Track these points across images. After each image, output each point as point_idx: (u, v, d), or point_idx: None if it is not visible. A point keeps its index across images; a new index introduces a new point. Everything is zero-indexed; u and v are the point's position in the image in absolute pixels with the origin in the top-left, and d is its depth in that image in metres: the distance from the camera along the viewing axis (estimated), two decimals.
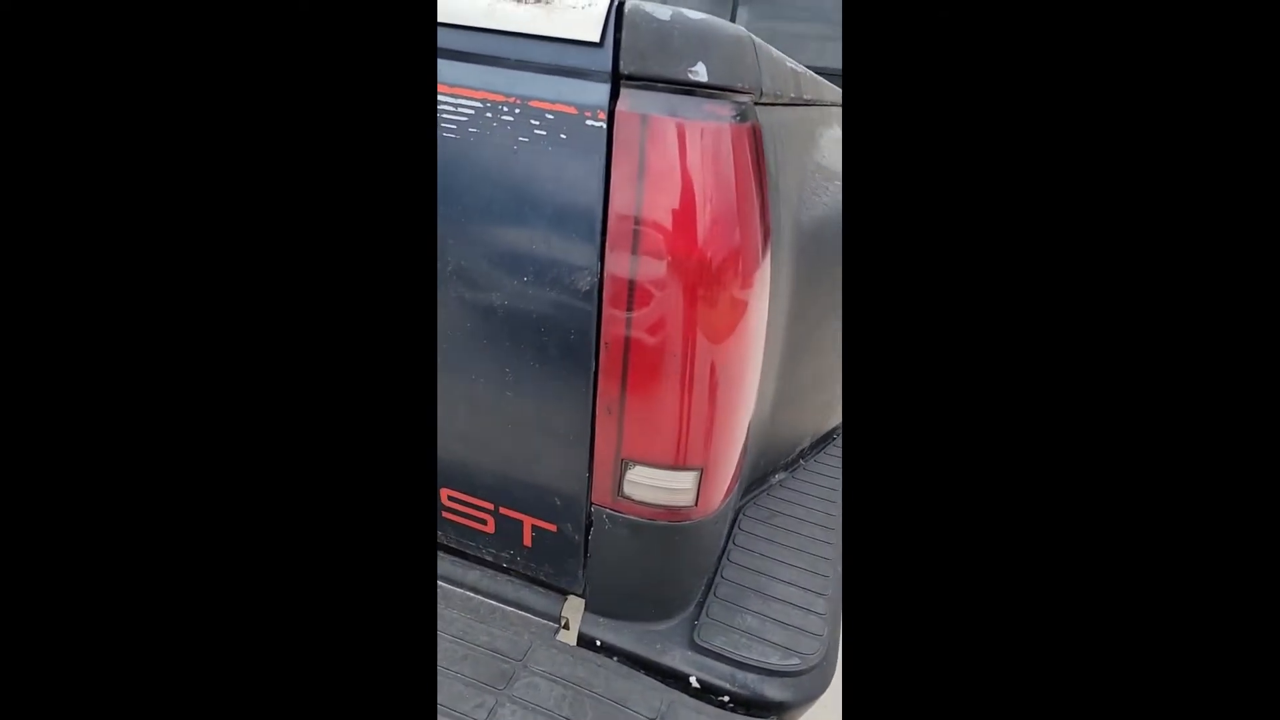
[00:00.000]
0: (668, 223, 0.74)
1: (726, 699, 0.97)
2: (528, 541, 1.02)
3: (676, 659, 1.00)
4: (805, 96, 1.03)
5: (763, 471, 1.34)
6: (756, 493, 1.36)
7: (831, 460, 1.56)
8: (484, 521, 1.03)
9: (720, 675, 0.98)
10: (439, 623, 1.02)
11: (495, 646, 0.99)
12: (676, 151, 0.73)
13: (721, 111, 0.74)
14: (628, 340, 0.80)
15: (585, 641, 1.03)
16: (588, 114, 0.73)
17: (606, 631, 1.02)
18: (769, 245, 0.85)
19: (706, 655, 1.00)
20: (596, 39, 0.72)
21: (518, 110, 0.75)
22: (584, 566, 1.00)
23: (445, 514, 1.04)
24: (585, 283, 0.78)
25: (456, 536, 1.06)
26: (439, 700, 0.90)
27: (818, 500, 1.38)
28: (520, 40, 0.75)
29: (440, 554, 1.11)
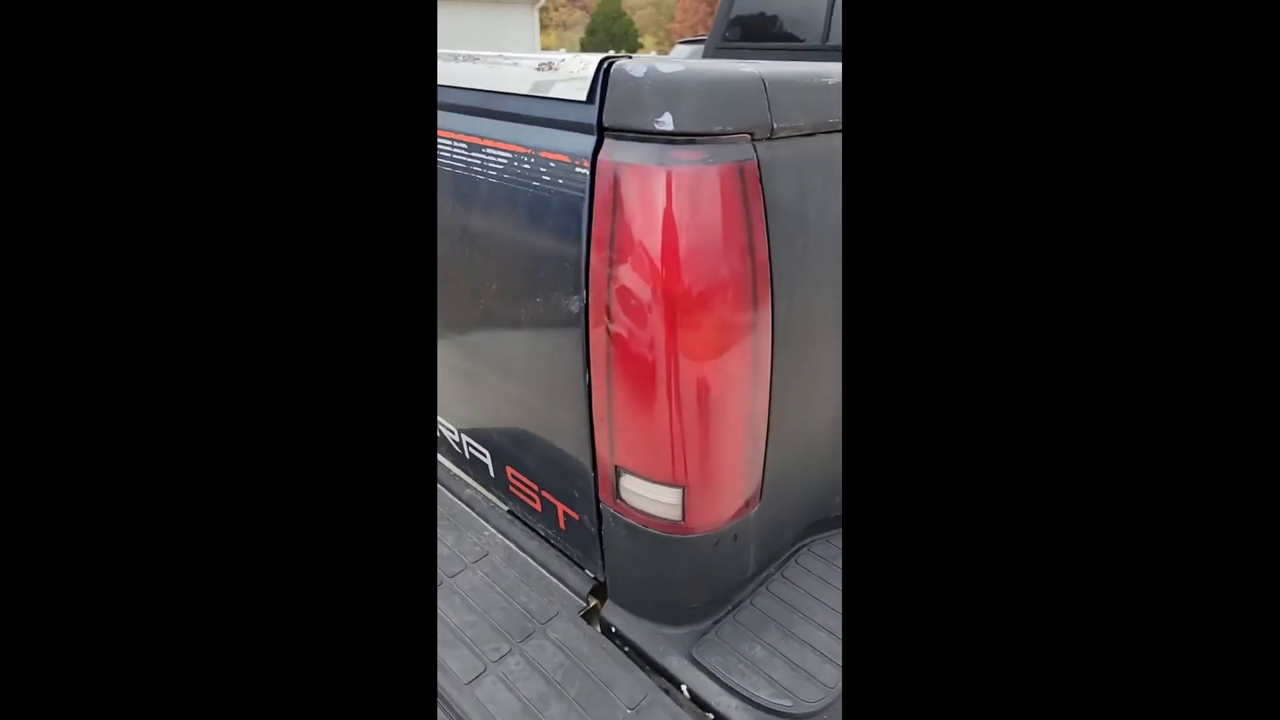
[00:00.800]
0: (633, 258, 0.82)
1: (711, 716, 1.00)
2: (562, 525, 1.17)
3: (674, 664, 1.05)
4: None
5: (831, 511, 1.28)
6: (828, 533, 1.30)
7: None
8: (534, 500, 1.21)
9: (710, 692, 1.01)
10: (496, 575, 1.23)
11: (528, 606, 1.16)
12: (642, 194, 0.80)
13: (690, 156, 0.79)
14: (608, 359, 0.89)
15: (605, 626, 1.14)
16: (577, 163, 0.85)
17: (622, 621, 1.12)
18: (762, 275, 0.86)
19: (699, 670, 1.03)
20: (584, 98, 0.83)
21: (532, 159, 0.90)
22: (602, 556, 1.11)
23: (510, 488, 1.25)
24: (576, 306, 0.90)
25: (520, 510, 1.26)
26: (467, 637, 1.11)
27: None
28: (536, 100, 0.89)
29: (511, 520, 1.32)
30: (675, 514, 0.96)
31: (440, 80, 1.03)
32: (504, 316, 1.05)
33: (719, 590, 1.09)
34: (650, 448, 0.93)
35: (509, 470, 1.23)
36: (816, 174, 0.93)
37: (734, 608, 1.14)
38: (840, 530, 1.31)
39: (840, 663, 1.04)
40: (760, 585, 1.19)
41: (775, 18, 2.48)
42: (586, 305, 0.89)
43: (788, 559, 1.24)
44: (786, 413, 1.01)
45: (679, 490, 0.94)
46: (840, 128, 0.97)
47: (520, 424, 1.15)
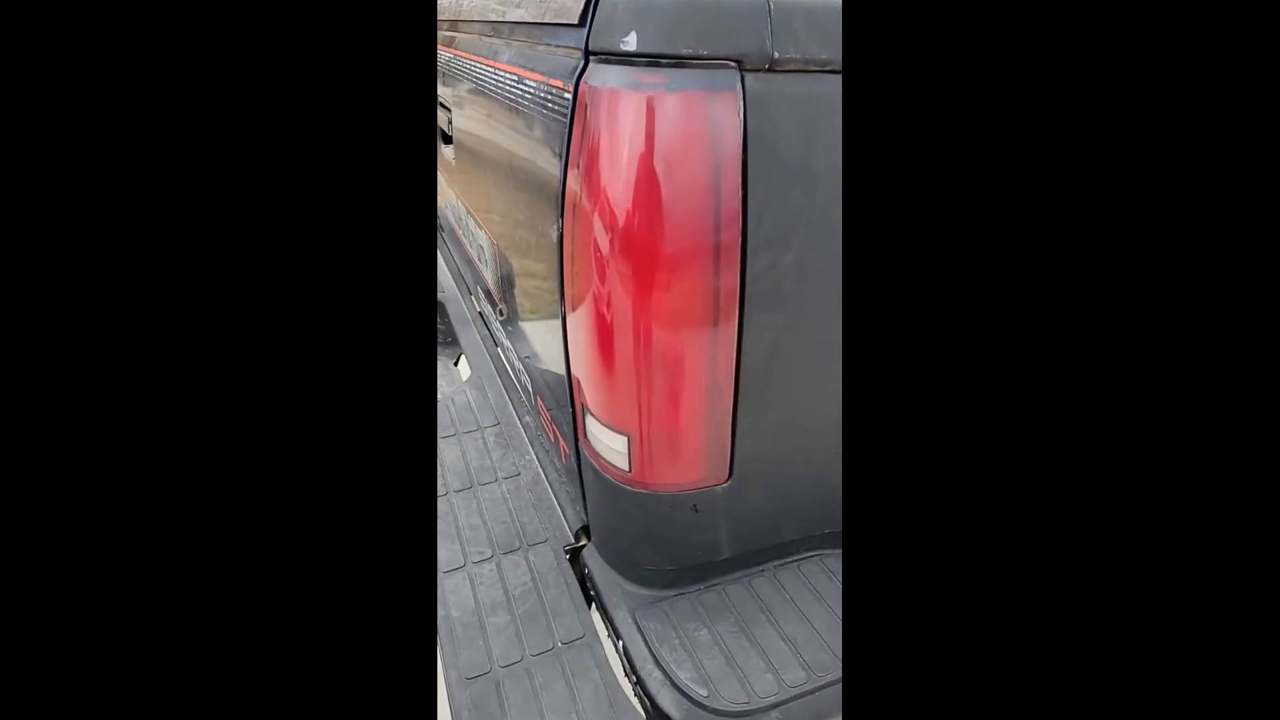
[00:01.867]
0: (595, 188, 0.80)
1: (634, 680, 0.97)
2: (563, 458, 1.20)
3: (619, 618, 1.03)
4: None
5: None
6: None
7: None
8: (550, 431, 1.25)
9: (640, 656, 0.98)
10: (516, 494, 1.31)
11: (526, 528, 1.23)
12: (602, 120, 0.77)
13: (651, 80, 0.74)
14: (571, 296, 0.89)
15: (581, 564, 1.16)
16: (566, 88, 0.85)
17: (596, 566, 1.13)
18: (729, 221, 0.78)
19: (637, 631, 1.00)
20: (576, 20, 0.82)
21: (543, 85, 0.92)
22: (584, 498, 1.12)
23: (540, 416, 1.31)
24: (554, 234, 0.91)
25: (544, 439, 1.32)
26: (464, 536, 1.21)
27: None
28: (542, 28, 0.91)
29: (544, 443, 1.39)
30: (624, 463, 0.93)
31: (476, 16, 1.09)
32: (527, 242, 1.10)
33: (675, 559, 1.03)
34: (599, 388, 0.91)
35: (539, 400, 1.29)
36: (836, 117, 0.80)
37: (704, 588, 1.07)
38: None
39: (790, 681, 0.92)
40: (745, 576, 1.09)
41: None
42: (560, 235, 0.89)
43: (790, 562, 1.12)
44: (770, 386, 0.90)
45: (625, 438, 0.91)
46: None
47: (536, 355, 1.20)
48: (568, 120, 0.84)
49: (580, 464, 1.08)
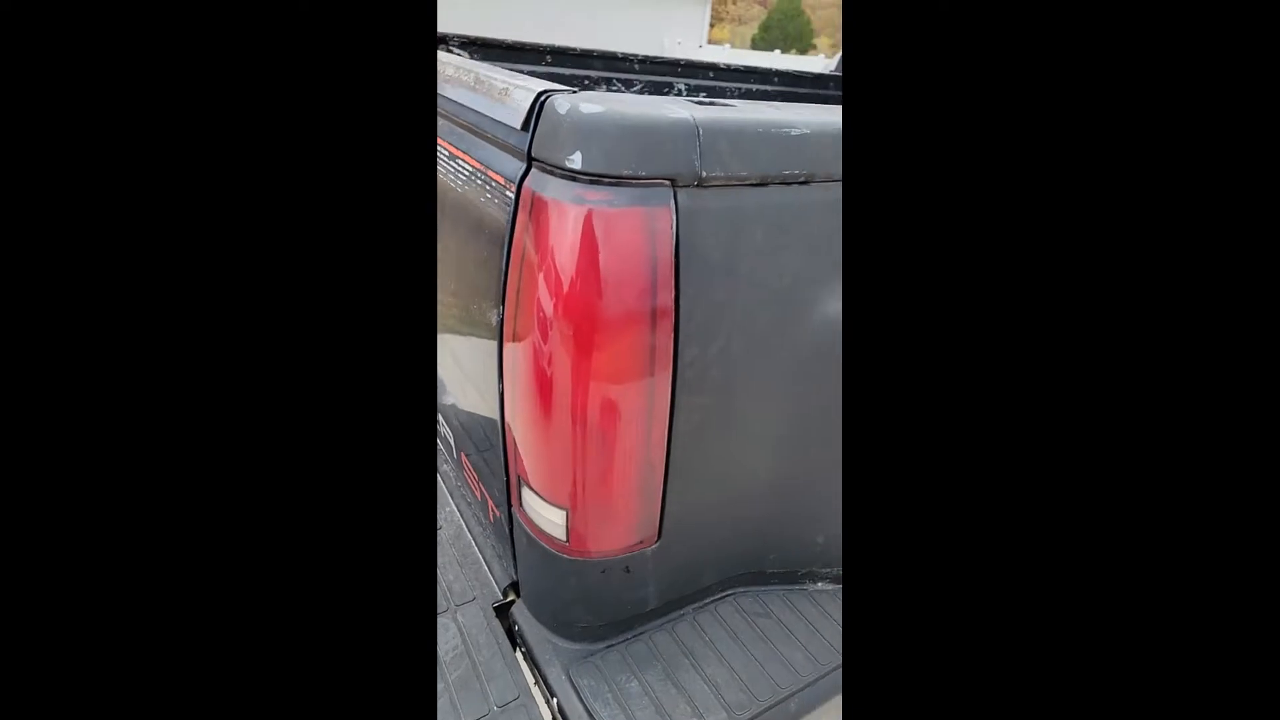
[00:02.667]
0: (538, 284, 0.85)
1: None
2: (490, 518, 1.23)
3: (552, 675, 1.08)
4: (807, 175, 0.93)
5: (768, 566, 1.23)
6: (760, 588, 1.25)
7: None
8: (474, 489, 1.28)
9: (575, 712, 1.03)
10: (439, 550, 1.32)
11: (452, 586, 1.24)
12: (549, 225, 0.83)
13: (596, 196, 0.80)
14: (514, 375, 0.93)
15: (510, 622, 1.19)
16: (508, 185, 0.89)
17: (526, 623, 1.16)
18: (663, 319, 0.86)
19: (571, 688, 1.06)
20: (519, 125, 0.87)
21: (482, 175, 0.96)
22: (514, 557, 1.16)
23: (463, 471, 1.33)
24: (495, 319, 0.95)
25: (467, 494, 1.34)
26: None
27: (822, 627, 1.19)
28: (494, 122, 0.94)
29: (469, 502, 1.40)
30: (561, 534, 0.99)
31: (447, 94, 1.11)
32: (461, 315, 1.12)
33: (607, 616, 1.10)
34: (539, 466, 0.96)
35: (462, 455, 1.30)
36: (758, 226, 0.90)
37: (632, 637, 1.15)
38: (770, 589, 1.26)
39: None
40: (668, 622, 1.18)
41: None
42: (501, 318, 0.93)
43: (709, 604, 1.22)
44: (696, 458, 1.00)
45: (563, 512, 0.97)
46: (803, 179, 0.93)
47: (467, 414, 1.22)
48: (510, 215, 0.88)
49: (512, 528, 1.12)
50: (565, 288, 0.83)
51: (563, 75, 1.98)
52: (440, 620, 1.17)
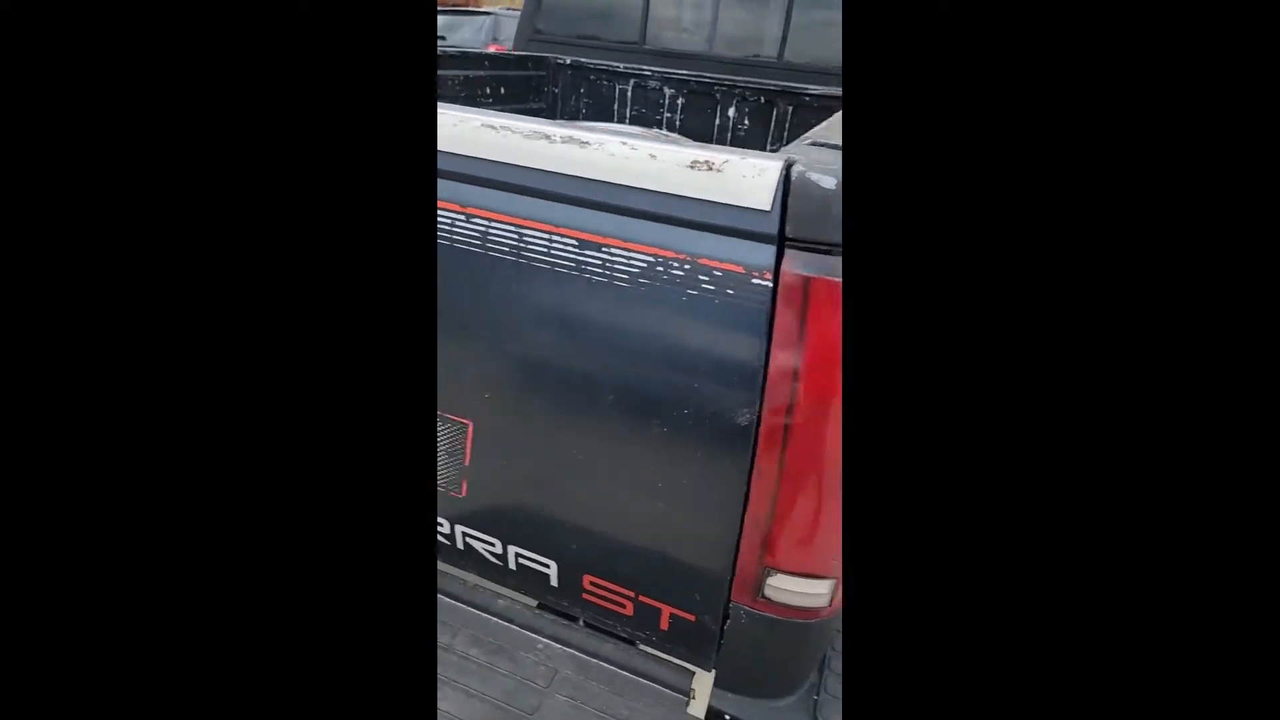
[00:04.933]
0: (823, 371, 0.81)
1: None
2: (664, 626, 1.10)
3: None
4: None
5: None
6: None
7: None
8: (623, 606, 1.12)
9: None
10: (582, 693, 1.12)
11: (632, 718, 1.08)
12: (828, 306, 0.79)
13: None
14: (781, 472, 0.87)
15: (713, 714, 1.11)
16: (754, 273, 0.80)
17: (732, 705, 1.11)
18: None
19: None
20: (767, 207, 0.78)
21: (688, 266, 0.82)
22: (718, 650, 1.08)
23: (584, 595, 1.14)
24: (744, 419, 0.85)
25: (597, 615, 1.16)
26: None
27: None
28: (693, 202, 0.81)
29: (567, 625, 1.21)
30: (823, 603, 0.98)
31: (536, 164, 0.87)
32: (621, 427, 0.94)
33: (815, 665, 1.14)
34: (804, 546, 0.92)
35: (587, 578, 1.11)
36: None
37: (824, 662, 1.20)
38: None
39: None
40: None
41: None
42: (759, 414, 0.84)
43: None
44: None
45: (830, 582, 0.96)
46: None
47: (618, 532, 1.05)
48: (768, 306, 0.80)
49: (725, 622, 1.03)
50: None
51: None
52: None
